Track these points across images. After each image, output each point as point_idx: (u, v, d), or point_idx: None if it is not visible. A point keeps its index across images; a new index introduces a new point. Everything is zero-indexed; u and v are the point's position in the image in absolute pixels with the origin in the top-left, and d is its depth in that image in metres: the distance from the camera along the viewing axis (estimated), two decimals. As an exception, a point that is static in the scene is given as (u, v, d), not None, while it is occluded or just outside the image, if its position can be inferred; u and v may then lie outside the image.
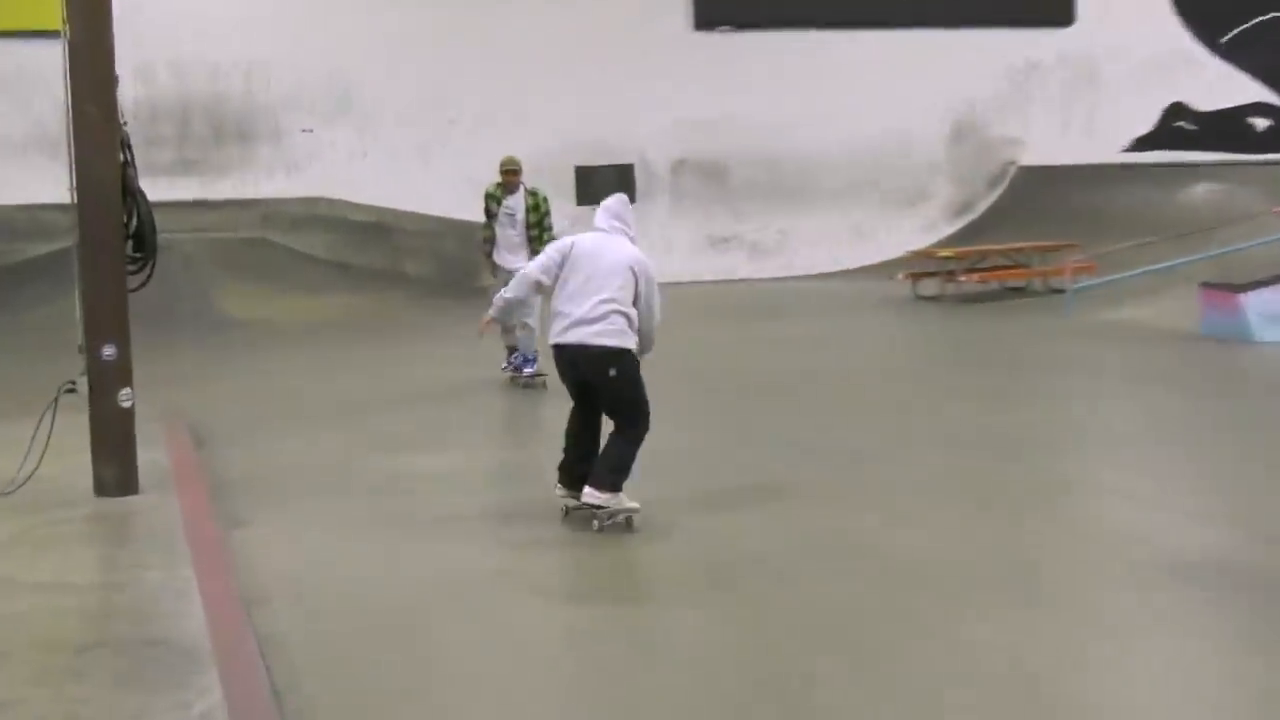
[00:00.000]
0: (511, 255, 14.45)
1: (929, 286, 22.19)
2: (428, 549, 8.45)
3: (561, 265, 8.80)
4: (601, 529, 8.61)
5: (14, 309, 20.23)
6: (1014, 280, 22.70)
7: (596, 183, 25.88)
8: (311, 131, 24.57)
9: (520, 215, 14.58)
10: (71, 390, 9.45)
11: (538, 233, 14.48)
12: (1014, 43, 27.24)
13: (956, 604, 7.21)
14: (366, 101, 24.72)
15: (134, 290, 9.59)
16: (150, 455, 10.08)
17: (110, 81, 9.42)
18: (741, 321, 20.45)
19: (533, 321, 14.18)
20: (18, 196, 22.52)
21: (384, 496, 9.88)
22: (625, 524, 8.66)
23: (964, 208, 27.46)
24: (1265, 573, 7.68)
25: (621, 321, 8.63)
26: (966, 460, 10.74)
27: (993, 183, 27.61)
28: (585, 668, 6.57)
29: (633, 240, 9.00)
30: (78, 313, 9.44)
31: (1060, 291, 20.70)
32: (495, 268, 14.73)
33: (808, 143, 26.24)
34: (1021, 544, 8.42)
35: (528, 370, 14.46)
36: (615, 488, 8.64)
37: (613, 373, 8.58)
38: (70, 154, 9.39)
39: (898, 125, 26.61)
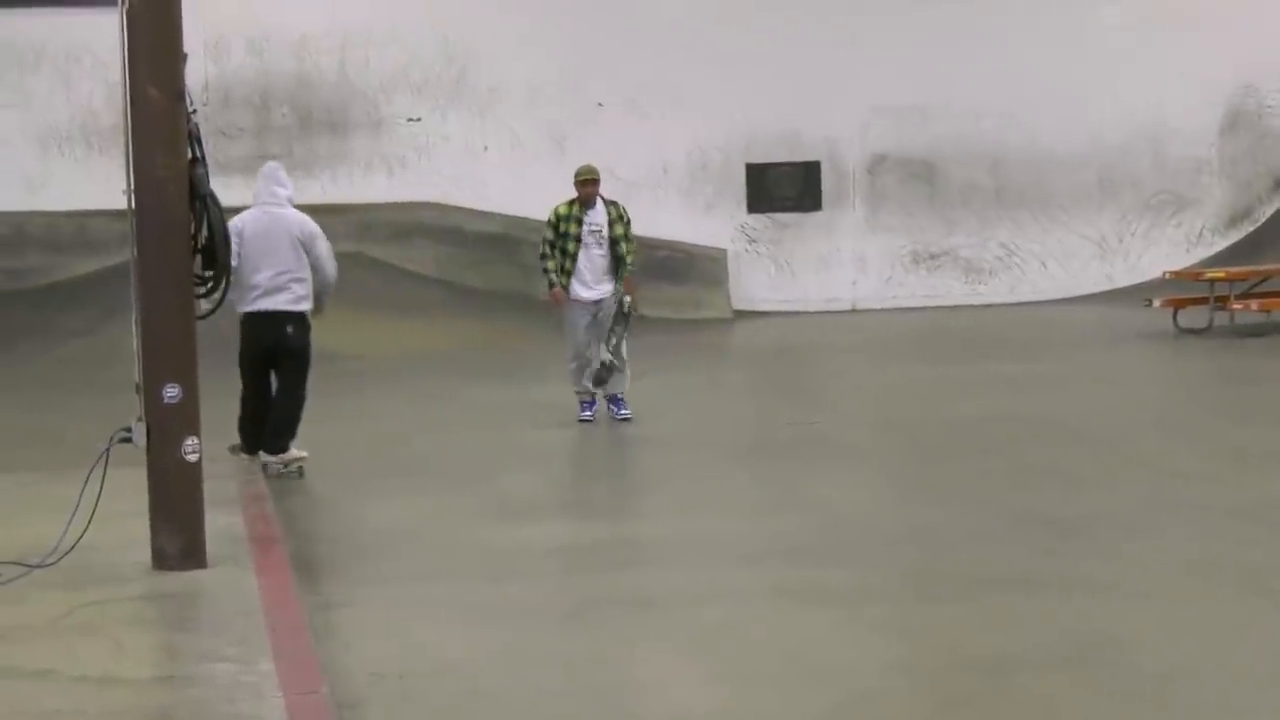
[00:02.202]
0: (596, 283, 15.33)
1: (1194, 317, 21.83)
2: (563, 644, 8.43)
3: (240, 247, 12.44)
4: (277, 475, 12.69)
5: (53, 337, 20.63)
6: (1305, 309, 22.27)
7: (773, 185, 25.90)
8: (419, 120, 24.86)
9: (607, 231, 15.27)
10: (126, 439, 9.54)
11: (627, 246, 15.42)
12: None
13: (1239, 725, 7.05)
14: (488, 82, 24.94)
15: (203, 317, 9.71)
16: (222, 520, 10.16)
17: (176, 59, 9.54)
18: (955, 359, 20.27)
19: (607, 356, 15.25)
20: (63, 201, 23.03)
21: (509, 576, 9.87)
22: (298, 473, 12.94)
23: (1240, 217, 27.02)
24: None
25: (300, 288, 13.02)
26: (1249, 538, 10.51)
27: (1278, 185, 27.14)
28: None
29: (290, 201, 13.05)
30: (135, 344, 9.55)
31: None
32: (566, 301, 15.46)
33: (1040, 134, 26.01)
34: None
35: (623, 412, 15.49)
36: (287, 448, 13.06)
37: (290, 330, 13.07)
38: (127, 148, 9.51)
39: (1156, 113, 26.25)
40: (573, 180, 15.42)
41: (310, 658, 7.89)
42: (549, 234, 15.37)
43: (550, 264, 15.29)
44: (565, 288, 15.30)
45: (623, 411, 15.40)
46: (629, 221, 15.46)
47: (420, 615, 9.00)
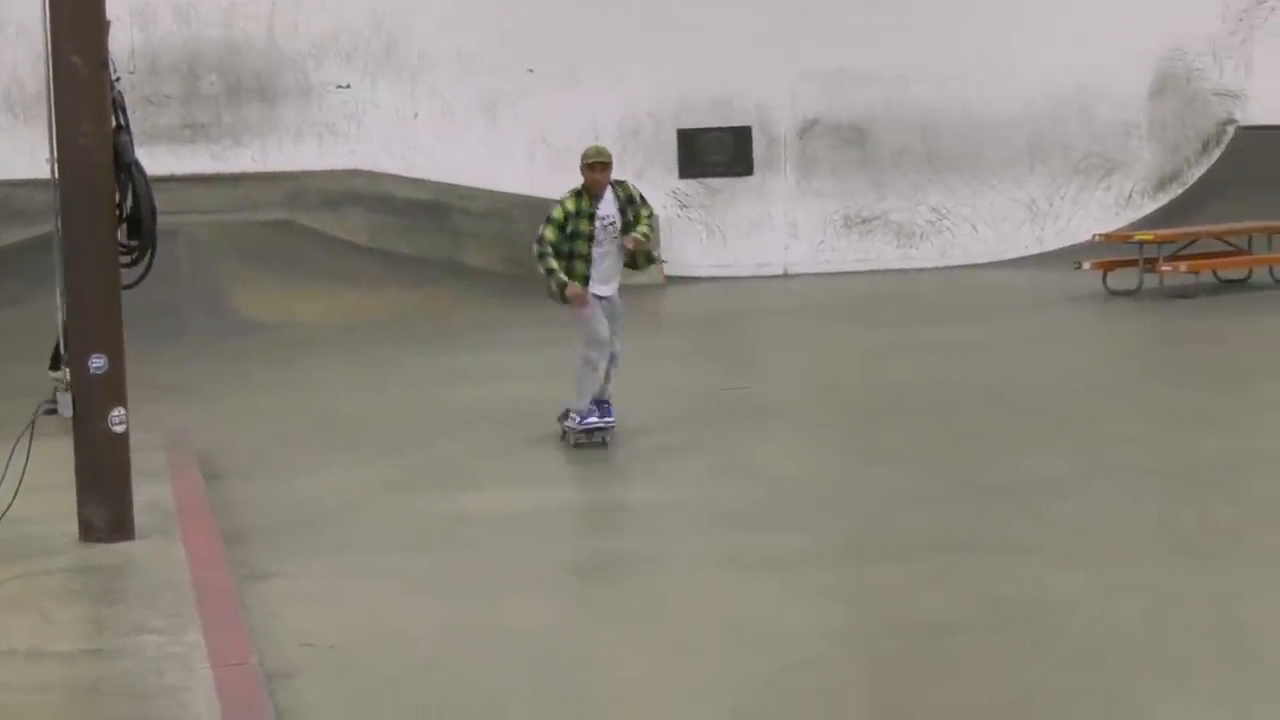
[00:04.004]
0: (607, 280, 12.85)
1: (1124, 279, 21.91)
2: (492, 612, 8.39)
3: None
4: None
5: (-20, 307, 20.45)
6: (1233, 270, 22.36)
7: (704, 150, 25.87)
8: (349, 87, 24.71)
9: (617, 224, 12.76)
10: (52, 411, 9.48)
11: (648, 223, 12.85)
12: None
13: (1171, 687, 7.06)
14: (418, 49, 24.81)
15: (129, 287, 9.60)
16: (150, 491, 10.09)
17: (100, 27, 9.44)
18: (888, 323, 20.30)
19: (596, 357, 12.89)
20: (-15, 171, 22.74)
21: (438, 545, 9.85)
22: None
23: (1169, 180, 27.14)
24: None
25: None
26: (1181, 500, 10.59)
27: (1206, 147, 27.27)
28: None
29: None
30: (59, 315, 9.47)
31: (1293, 284, 20.42)
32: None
33: (970, 99, 26.02)
34: (1254, 608, 8.24)
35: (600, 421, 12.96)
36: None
37: None
38: (50, 117, 9.42)
39: (1086, 77, 26.31)
40: (580, 165, 12.86)
41: (239, 628, 7.85)
42: (551, 235, 12.57)
43: (553, 261, 12.54)
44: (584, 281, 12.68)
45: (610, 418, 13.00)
46: (643, 199, 12.90)
47: (353, 585, 8.96)
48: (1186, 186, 27.10)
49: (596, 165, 12.73)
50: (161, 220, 9.79)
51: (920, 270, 25.62)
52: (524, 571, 9.14)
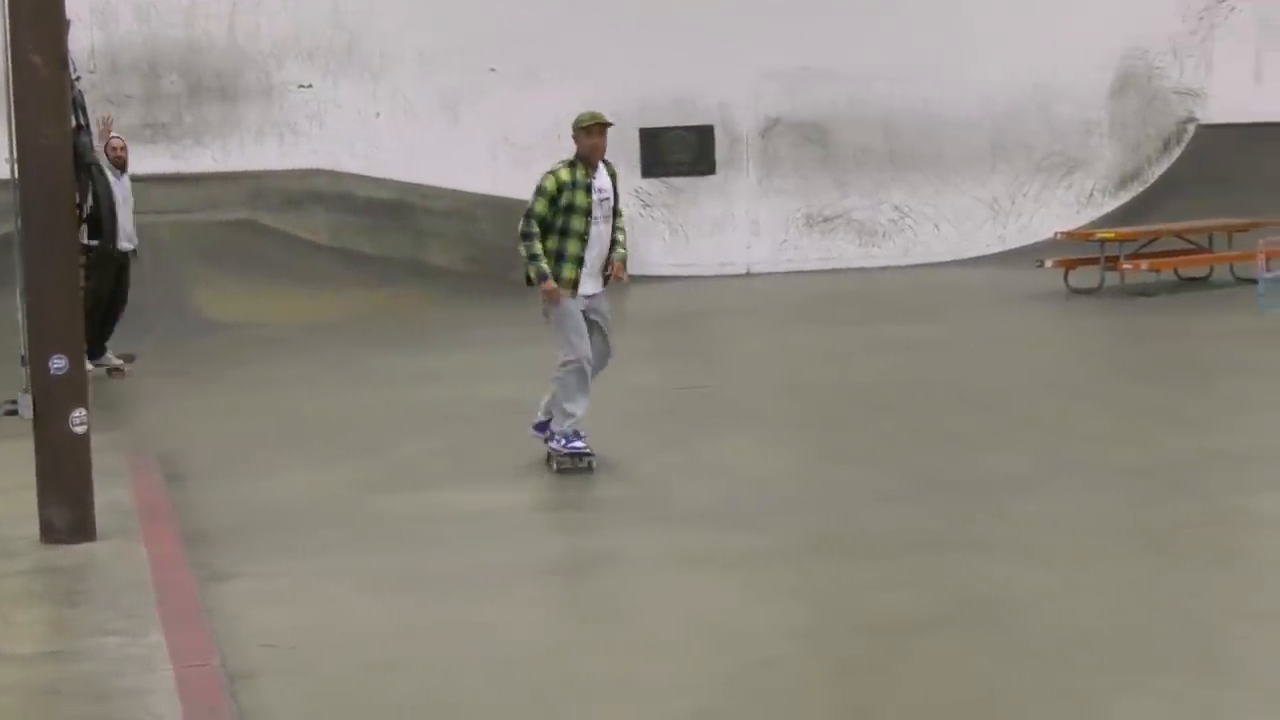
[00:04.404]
0: (596, 272, 11.67)
1: (1085, 277, 21.98)
2: (455, 612, 8.38)
3: None
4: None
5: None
6: (1194, 268, 22.45)
7: (666, 149, 25.85)
8: (310, 87, 24.65)
9: (611, 201, 11.66)
10: (12, 412, 9.45)
11: (619, 221, 11.83)
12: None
13: (1132, 684, 7.08)
14: (380, 49, 24.76)
15: (89, 287, 9.57)
16: (111, 493, 10.07)
17: (60, 26, 9.40)
18: (851, 321, 20.33)
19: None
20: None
21: (402, 545, 9.83)
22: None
23: (1130, 178, 27.23)
24: None
25: None
26: (1143, 497, 10.61)
27: (1167, 146, 27.36)
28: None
29: None
30: (19, 316, 9.43)
31: (1253, 282, 20.44)
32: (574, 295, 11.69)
33: (932, 97, 26.06)
34: (1214, 604, 8.28)
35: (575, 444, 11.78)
36: None
37: None
38: (9, 117, 9.38)
39: (1047, 75, 26.37)
40: (574, 130, 11.62)
41: (200, 629, 7.84)
42: (541, 208, 11.37)
43: (539, 246, 11.39)
44: (573, 280, 11.54)
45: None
46: (617, 194, 11.83)
47: (314, 586, 8.94)
48: (1147, 185, 27.18)
49: (595, 129, 11.46)
50: (122, 220, 9.76)
51: (882, 269, 25.65)
52: (487, 571, 9.13)
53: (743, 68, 25.44)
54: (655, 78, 25.29)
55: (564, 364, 11.60)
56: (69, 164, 9.38)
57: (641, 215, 25.59)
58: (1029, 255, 24.33)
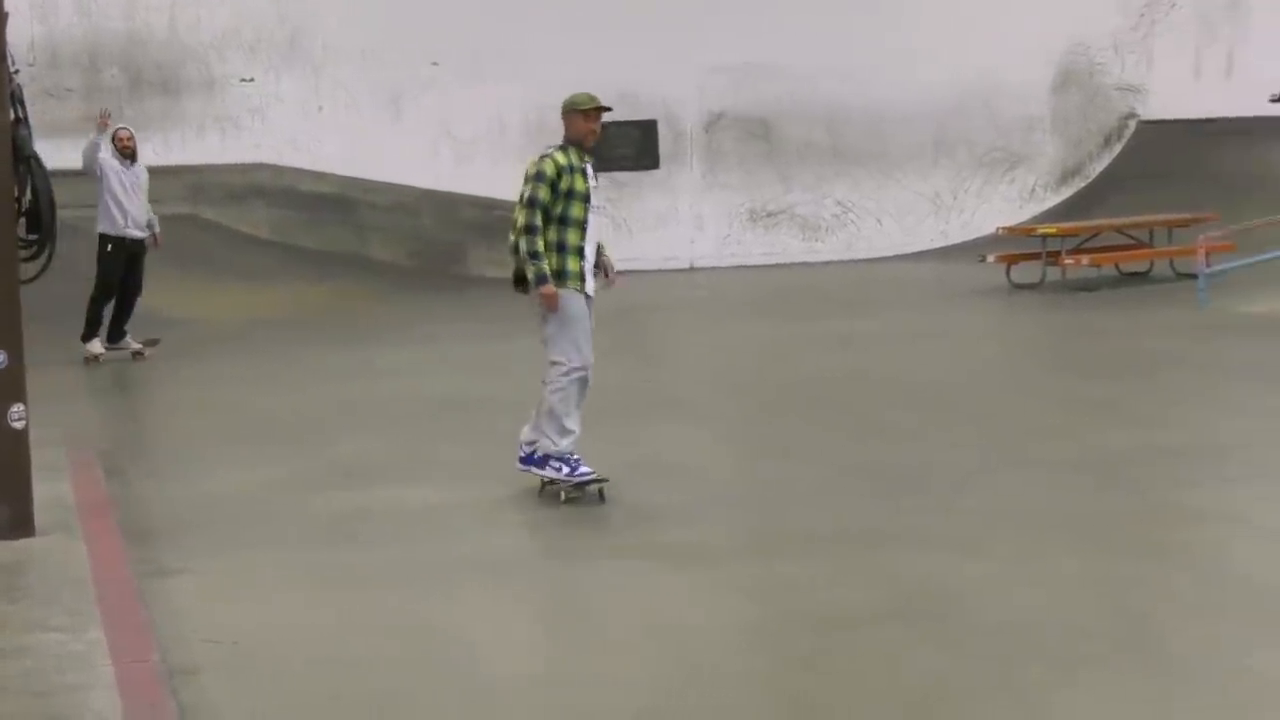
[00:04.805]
0: (591, 275, 10.65)
1: (1027, 272, 22.09)
2: (398, 608, 8.36)
3: None
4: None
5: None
6: (1134, 263, 22.59)
7: (610, 144, 25.85)
8: (252, 80, 24.56)
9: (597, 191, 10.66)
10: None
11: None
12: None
13: (1071, 675, 7.11)
14: (322, 42, 24.69)
15: (27, 282, 9.52)
16: (51, 488, 10.01)
17: (-2, 17, 9.34)
18: (792, 316, 20.37)
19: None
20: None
21: (344, 541, 9.79)
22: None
23: (1072, 173, 27.36)
24: None
25: None
26: (1082, 490, 10.66)
27: (1108, 141, 27.50)
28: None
29: None
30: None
31: (1193, 277, 20.57)
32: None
33: (875, 93, 26.15)
34: (1151, 597, 8.33)
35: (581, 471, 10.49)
36: None
37: None
38: (-52, 109, 9.32)
39: (990, 71, 26.49)
40: (568, 112, 10.52)
41: (141, 626, 7.79)
42: (544, 195, 10.19)
43: (542, 242, 10.19)
44: (579, 274, 10.39)
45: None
46: None
47: (255, 581, 8.90)
48: (1089, 180, 27.36)
49: (593, 114, 10.45)
50: (62, 215, 9.71)
51: (826, 264, 25.73)
52: (431, 567, 9.10)
53: (686, 63, 25.47)
54: (598, 72, 25.18)
55: (565, 371, 10.32)
56: (7, 157, 9.29)
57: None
58: (971, 250, 24.46)
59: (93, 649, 7.28)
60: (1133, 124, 27.53)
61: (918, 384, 15.18)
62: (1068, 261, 21.75)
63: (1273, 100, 25.40)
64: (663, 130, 26.05)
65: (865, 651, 7.58)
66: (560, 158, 10.25)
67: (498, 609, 8.47)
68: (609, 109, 10.55)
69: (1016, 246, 22.92)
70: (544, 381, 10.42)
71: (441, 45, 24.84)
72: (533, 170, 10.29)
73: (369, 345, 18.55)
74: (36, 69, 23.18)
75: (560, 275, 10.21)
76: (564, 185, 10.18)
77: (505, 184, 24.55)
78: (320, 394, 15.41)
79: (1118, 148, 27.49)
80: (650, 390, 15.25)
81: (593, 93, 10.48)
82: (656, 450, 12.40)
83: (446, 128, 24.74)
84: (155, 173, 23.62)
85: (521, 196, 10.29)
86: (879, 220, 26.53)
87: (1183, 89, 27.10)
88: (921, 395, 14.58)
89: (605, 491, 10.31)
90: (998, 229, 24.01)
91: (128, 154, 18.05)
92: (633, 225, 25.85)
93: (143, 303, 20.55)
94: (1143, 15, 27.42)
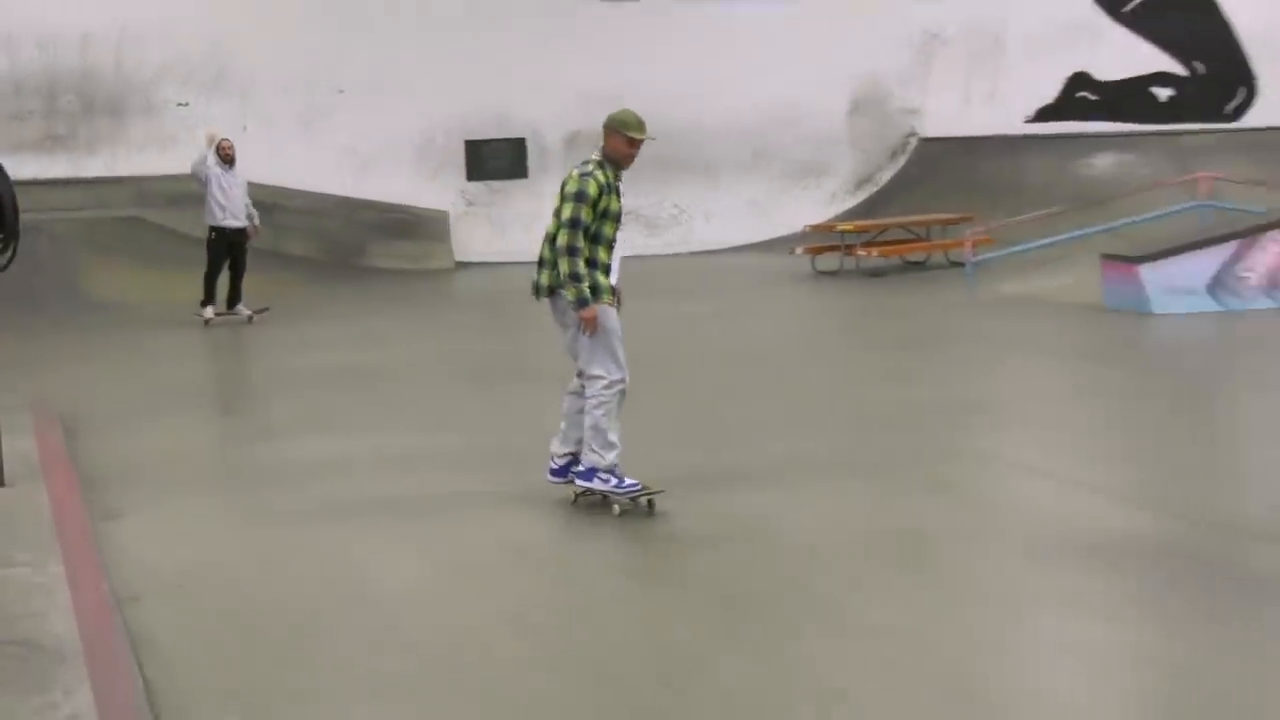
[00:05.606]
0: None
1: (828, 261, 22.28)
2: (315, 543, 8.32)
3: None
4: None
5: None
6: (915, 254, 22.84)
7: (487, 158, 25.79)
8: (187, 105, 24.20)
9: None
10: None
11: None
12: (916, 12, 27.33)
13: (858, 586, 7.22)
14: (246, 72, 24.38)
15: (-4, 273, 9.35)
16: (15, 444, 9.85)
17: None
18: (637, 297, 20.30)
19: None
20: None
21: (268, 487, 9.73)
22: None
23: (865, 181, 27.57)
24: (1174, 548, 7.73)
25: None
26: (871, 437, 10.78)
27: (894, 155, 27.75)
28: (479, 666, 6.47)
29: None
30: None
31: (962, 265, 20.83)
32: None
33: (705, 114, 26.19)
34: (925, 523, 8.44)
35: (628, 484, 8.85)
36: None
37: None
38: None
39: (797, 96, 26.63)
40: (615, 130, 9.06)
41: (94, 560, 7.72)
42: (587, 216, 8.72)
43: (583, 264, 8.74)
44: (609, 290, 9.01)
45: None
46: None
47: (193, 522, 8.85)
48: (878, 186, 27.54)
49: (638, 143, 9.05)
50: (24, 217, 9.52)
51: (664, 255, 25.75)
52: (338, 508, 9.05)
53: (550, 90, 25.41)
54: (478, 97, 25.24)
55: (607, 384, 8.95)
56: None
57: (467, 212, 25.54)
58: (783, 244, 24.60)
59: (53, 581, 7.21)
60: (914, 141, 27.75)
61: (739, 353, 15.26)
62: (861, 253, 21.97)
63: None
64: (531, 146, 25.98)
65: (699, 566, 7.69)
66: (601, 177, 8.74)
67: (398, 543, 8.44)
68: (653, 139, 9.17)
69: (820, 240, 23.08)
70: (572, 392, 9.15)
71: (346, 75, 24.63)
72: (574, 188, 8.74)
73: (287, 325, 18.37)
74: (2, 96, 22.78)
75: (593, 292, 8.77)
76: (602, 205, 8.74)
77: (402, 190, 24.66)
78: (246, 365, 15.27)
79: (902, 160, 27.69)
80: (514, 359, 15.23)
81: (640, 116, 9.23)
82: (529, 409, 12.31)
83: (350, 144, 24.54)
84: (105, 183, 23.35)
85: (559, 213, 8.79)
86: (708, 219, 26.59)
87: (954, 111, 27.40)
88: (741, 362, 14.66)
89: (655, 502, 8.75)
90: (805, 226, 24.14)
91: (228, 160, 18.04)
92: (506, 224, 25.73)
93: (92, 290, 20.25)
94: (921, 52, 27.68)
